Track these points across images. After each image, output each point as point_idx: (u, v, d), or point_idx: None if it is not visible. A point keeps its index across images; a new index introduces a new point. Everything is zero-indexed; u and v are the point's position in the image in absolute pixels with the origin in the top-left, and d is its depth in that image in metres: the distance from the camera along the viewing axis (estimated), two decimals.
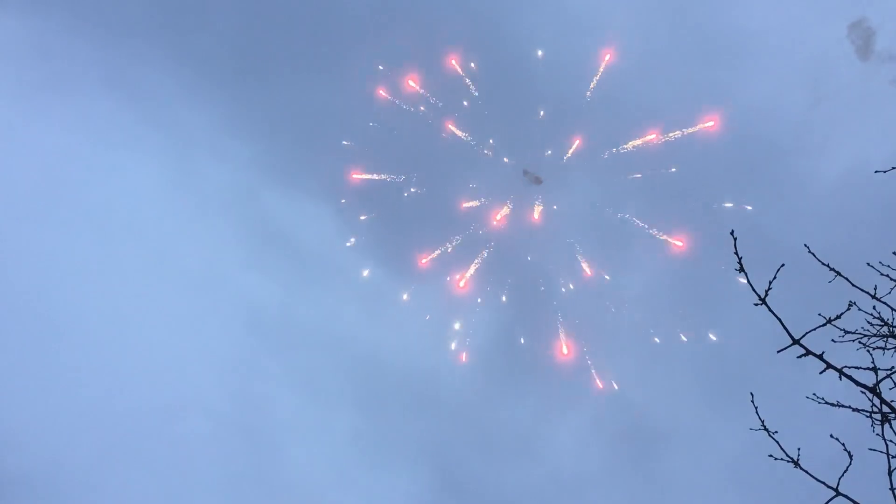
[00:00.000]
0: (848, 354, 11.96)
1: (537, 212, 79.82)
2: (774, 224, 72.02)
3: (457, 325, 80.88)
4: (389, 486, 79.74)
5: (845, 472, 11.28)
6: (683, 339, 75.88)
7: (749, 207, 74.24)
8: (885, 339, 12.12)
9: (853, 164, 70.22)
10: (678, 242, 75.27)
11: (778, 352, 11.84)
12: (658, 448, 78.47)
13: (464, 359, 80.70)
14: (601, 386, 78.37)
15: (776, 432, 11.60)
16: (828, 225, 70.76)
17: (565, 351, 78.60)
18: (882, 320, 12.04)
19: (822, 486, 11.22)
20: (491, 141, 79.32)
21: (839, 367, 11.30)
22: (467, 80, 78.06)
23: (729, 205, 74.68)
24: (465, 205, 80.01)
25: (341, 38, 78.48)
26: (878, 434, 11.27)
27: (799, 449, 11.50)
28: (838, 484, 11.26)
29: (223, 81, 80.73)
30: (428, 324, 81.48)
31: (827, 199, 71.00)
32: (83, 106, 77.79)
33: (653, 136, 75.19)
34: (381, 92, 78.34)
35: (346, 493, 79.89)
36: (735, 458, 70.34)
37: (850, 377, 11.18)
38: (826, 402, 12.02)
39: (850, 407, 11.67)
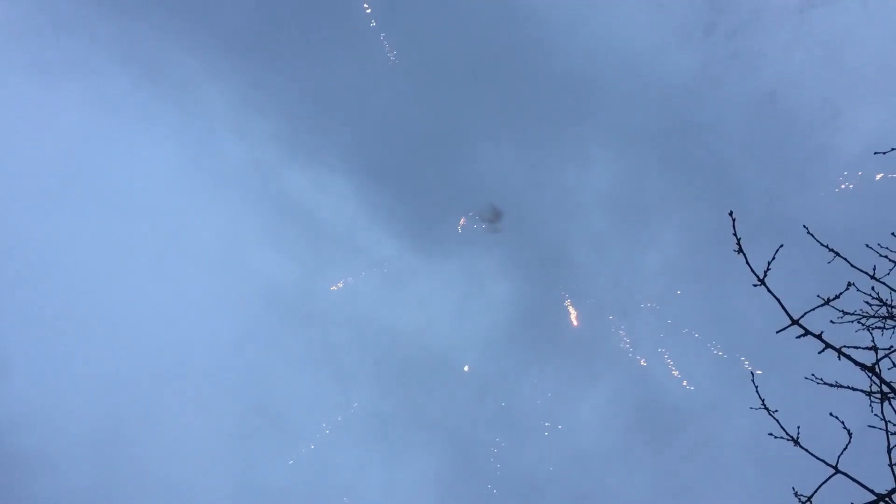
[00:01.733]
0: (848, 335, 12.05)
1: None
2: (791, 200, 72.35)
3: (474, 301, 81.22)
4: (407, 464, 79.75)
5: (844, 449, 11.34)
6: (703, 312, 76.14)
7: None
8: (883, 319, 12.21)
9: (874, 141, 70.35)
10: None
11: (777, 332, 11.91)
12: (679, 423, 78.64)
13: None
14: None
15: (776, 411, 11.65)
16: (846, 203, 70.98)
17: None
18: (881, 301, 12.14)
19: (822, 463, 11.28)
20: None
21: (838, 346, 11.38)
22: None
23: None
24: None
25: (362, 11, 78.38)
26: (876, 415, 11.35)
27: (798, 427, 11.55)
28: (837, 461, 11.32)
29: (242, 57, 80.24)
30: (447, 300, 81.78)
31: (846, 176, 71.09)
32: (100, 83, 77.34)
33: None
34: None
35: (364, 471, 79.80)
36: (753, 435, 70.72)
37: (848, 357, 11.24)
38: (825, 383, 12.07)
39: (848, 387, 11.74)
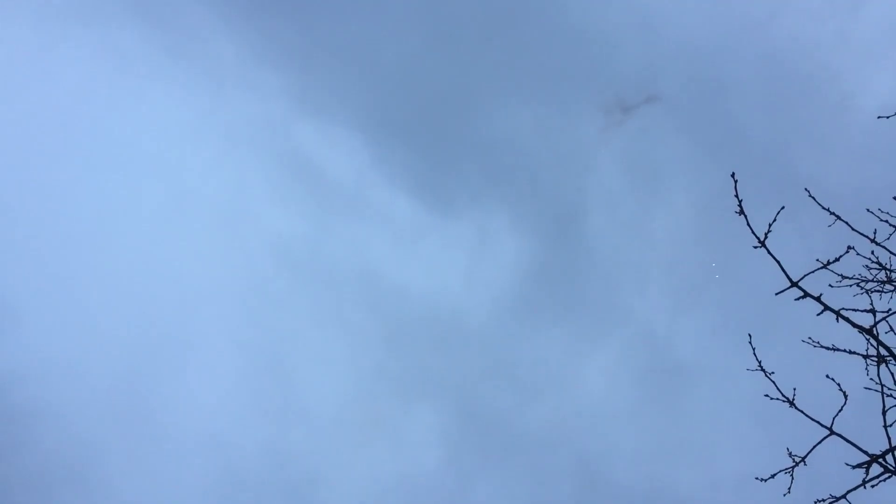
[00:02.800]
0: (846, 299, 12.11)
1: None
2: (803, 158, 71.99)
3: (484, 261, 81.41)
4: (414, 421, 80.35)
5: (840, 411, 11.48)
6: (716, 275, 76.20)
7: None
8: (882, 283, 12.28)
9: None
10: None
11: (776, 294, 11.99)
12: (684, 383, 79.08)
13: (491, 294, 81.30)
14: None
15: (773, 373, 11.78)
16: (859, 163, 70.51)
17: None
18: (880, 264, 12.19)
19: (817, 424, 11.42)
20: None
21: (836, 308, 11.46)
22: None
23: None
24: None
25: None
26: (872, 378, 11.46)
27: (795, 389, 11.68)
28: (832, 423, 11.46)
29: (253, 8, 79.84)
30: (457, 258, 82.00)
31: (861, 135, 70.43)
32: (107, 35, 76.98)
33: None
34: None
35: (371, 427, 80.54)
36: (758, 397, 71.03)
37: (847, 319, 11.32)
38: (821, 346, 12.18)
39: (846, 350, 11.84)
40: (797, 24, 73.32)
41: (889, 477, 11.15)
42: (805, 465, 11.62)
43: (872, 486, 11.21)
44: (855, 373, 11.85)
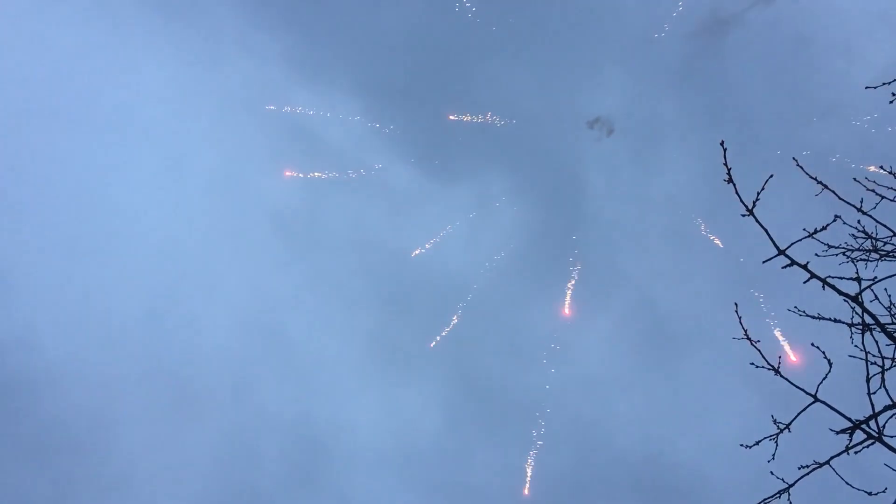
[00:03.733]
0: (832, 268, 12.17)
1: None
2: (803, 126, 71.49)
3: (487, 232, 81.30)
4: (413, 387, 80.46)
5: (824, 379, 11.56)
6: (717, 243, 75.75)
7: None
8: (868, 252, 12.31)
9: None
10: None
11: (763, 262, 12.04)
12: (682, 349, 79.07)
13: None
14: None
15: (758, 341, 11.84)
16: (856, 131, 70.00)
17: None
18: (866, 233, 12.22)
19: (802, 392, 11.51)
20: None
21: (823, 276, 11.52)
22: None
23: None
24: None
25: None
26: (856, 346, 11.52)
27: (780, 357, 11.74)
28: (817, 391, 11.56)
29: None
30: (456, 227, 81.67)
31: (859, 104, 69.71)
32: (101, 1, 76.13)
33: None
34: None
35: (369, 395, 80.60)
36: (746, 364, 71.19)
37: (833, 286, 11.38)
38: (807, 315, 12.24)
39: (831, 319, 11.89)
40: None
41: (872, 443, 11.26)
42: (790, 431, 11.73)
43: (856, 453, 11.33)
44: (840, 341, 11.91)
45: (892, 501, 11.73)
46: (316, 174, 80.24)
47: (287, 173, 79.58)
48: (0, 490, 69.08)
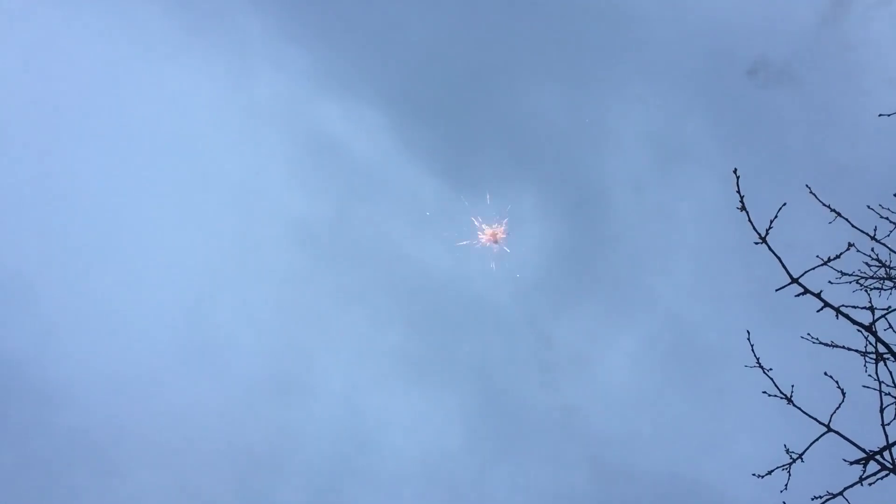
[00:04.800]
0: (845, 296, 12.09)
1: None
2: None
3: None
4: (435, 403, 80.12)
5: (837, 408, 11.48)
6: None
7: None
8: (882, 280, 12.24)
9: None
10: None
11: (777, 290, 11.98)
12: (707, 368, 78.38)
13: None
14: None
15: (770, 370, 11.80)
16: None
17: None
18: (880, 262, 12.15)
19: (815, 422, 11.43)
20: None
21: (836, 305, 11.45)
22: None
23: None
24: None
25: None
26: (870, 375, 11.45)
27: (793, 386, 11.69)
28: (830, 420, 11.47)
29: None
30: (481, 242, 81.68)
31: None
32: (129, 12, 76.65)
33: None
34: None
35: (392, 408, 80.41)
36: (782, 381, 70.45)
37: (846, 315, 11.31)
38: (821, 343, 12.16)
39: (844, 347, 11.82)
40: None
41: (887, 475, 11.16)
42: (802, 461, 11.65)
43: (870, 484, 11.23)
44: (853, 370, 11.84)
45: None
46: (343, 187, 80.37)
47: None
48: (16, 501, 69.45)
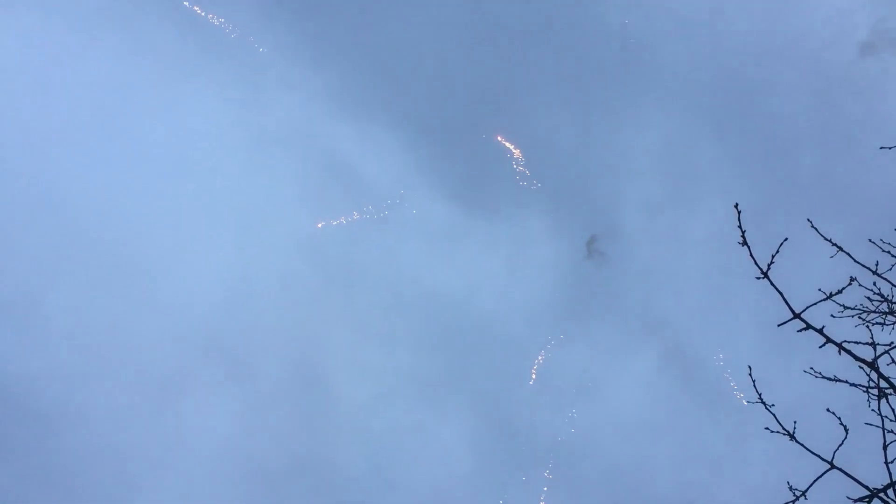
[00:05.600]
0: (847, 330, 12.03)
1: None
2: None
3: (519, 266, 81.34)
4: (445, 427, 79.74)
5: (840, 445, 11.40)
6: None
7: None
8: (884, 315, 12.16)
9: None
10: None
11: (779, 325, 11.95)
12: (721, 392, 77.79)
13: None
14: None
15: (773, 405, 11.73)
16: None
17: None
18: (882, 296, 12.08)
19: (818, 458, 11.36)
20: None
21: (838, 341, 11.39)
22: None
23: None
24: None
25: None
26: (873, 410, 11.36)
27: (795, 422, 11.61)
28: (833, 457, 11.39)
29: (295, 7, 79.88)
30: (493, 263, 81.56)
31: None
32: (142, 34, 77.18)
33: None
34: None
35: (399, 432, 79.98)
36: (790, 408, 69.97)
37: (849, 352, 11.26)
38: (823, 377, 12.10)
39: (847, 381, 11.75)
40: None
41: None
42: (806, 498, 11.55)
43: None
44: (855, 405, 11.77)
45: None
46: (354, 216, 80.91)
47: (319, 225, 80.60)
48: None
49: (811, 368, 12.19)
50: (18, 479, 69.11)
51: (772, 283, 11.92)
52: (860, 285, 11.90)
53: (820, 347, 11.54)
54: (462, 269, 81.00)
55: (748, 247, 11.93)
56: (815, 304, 11.69)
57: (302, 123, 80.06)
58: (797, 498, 11.61)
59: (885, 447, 11.10)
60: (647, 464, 77.42)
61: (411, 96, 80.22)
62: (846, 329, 12.04)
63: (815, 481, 11.44)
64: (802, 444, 11.41)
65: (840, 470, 11.28)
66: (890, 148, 12.63)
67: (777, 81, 74.00)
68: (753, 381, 11.75)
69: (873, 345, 11.26)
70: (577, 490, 76.76)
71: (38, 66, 76.06)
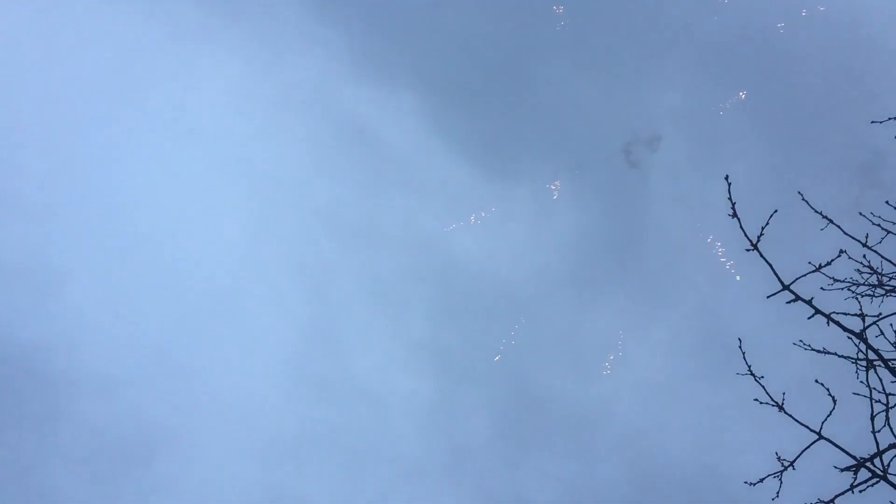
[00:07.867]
0: (837, 303, 12.08)
1: None
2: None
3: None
4: (463, 395, 79.77)
5: (828, 416, 11.49)
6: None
7: None
8: (873, 287, 12.20)
9: None
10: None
11: (768, 297, 12.02)
12: (739, 359, 77.40)
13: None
14: None
15: (762, 377, 11.82)
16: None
17: None
18: (871, 268, 12.12)
19: (806, 429, 11.46)
20: None
21: (827, 312, 11.46)
22: None
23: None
24: None
25: None
26: (861, 381, 11.43)
27: (784, 393, 11.71)
28: (821, 428, 11.49)
29: None
30: (513, 228, 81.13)
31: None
32: None
33: None
34: None
35: (415, 403, 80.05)
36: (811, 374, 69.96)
37: (837, 322, 11.32)
38: (812, 349, 12.17)
39: (836, 353, 11.82)
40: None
41: (877, 482, 11.16)
42: (794, 469, 11.68)
43: (861, 491, 11.24)
44: (843, 377, 11.85)
45: None
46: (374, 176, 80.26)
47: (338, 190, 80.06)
48: (43, 494, 70.24)
49: (800, 341, 12.27)
50: (37, 448, 69.97)
51: (761, 255, 11.98)
52: (850, 258, 11.94)
53: (808, 318, 11.62)
54: (482, 234, 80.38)
55: (738, 219, 11.98)
56: (804, 276, 11.75)
57: (320, 84, 79.30)
58: (785, 468, 11.74)
59: (872, 417, 11.19)
60: (665, 430, 77.54)
61: (433, 58, 79.37)
62: (836, 302, 12.10)
63: (802, 452, 11.55)
64: (791, 415, 11.51)
65: (828, 440, 11.38)
66: (881, 122, 12.62)
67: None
68: (743, 354, 11.84)
69: (862, 316, 11.32)
70: (594, 457, 76.98)
71: (50, 30, 76.02)
